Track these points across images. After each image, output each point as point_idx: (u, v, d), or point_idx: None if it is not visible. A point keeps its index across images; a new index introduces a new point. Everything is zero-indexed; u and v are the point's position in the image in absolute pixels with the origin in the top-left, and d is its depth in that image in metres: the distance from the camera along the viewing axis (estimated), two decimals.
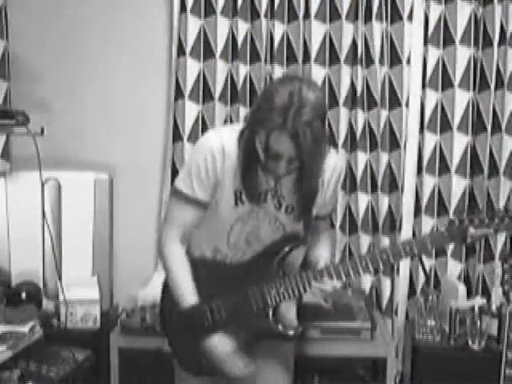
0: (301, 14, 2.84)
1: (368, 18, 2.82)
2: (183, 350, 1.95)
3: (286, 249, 1.85)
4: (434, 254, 2.95)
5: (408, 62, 2.86)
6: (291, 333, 1.87)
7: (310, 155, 1.63)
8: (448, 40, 2.84)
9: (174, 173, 2.89)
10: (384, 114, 2.86)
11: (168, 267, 1.87)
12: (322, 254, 1.98)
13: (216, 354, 1.83)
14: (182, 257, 1.87)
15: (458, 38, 2.82)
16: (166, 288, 1.96)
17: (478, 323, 2.58)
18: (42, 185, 2.59)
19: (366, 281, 2.95)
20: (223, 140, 1.77)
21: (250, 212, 1.82)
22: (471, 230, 1.71)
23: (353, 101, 2.89)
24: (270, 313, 1.84)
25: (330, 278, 1.79)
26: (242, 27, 2.86)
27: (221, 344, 1.82)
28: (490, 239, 2.86)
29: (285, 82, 1.66)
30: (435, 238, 1.76)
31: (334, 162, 1.88)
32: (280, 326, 1.86)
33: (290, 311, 1.93)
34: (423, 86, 2.91)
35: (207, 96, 2.93)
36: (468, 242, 1.73)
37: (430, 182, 2.92)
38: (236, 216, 1.82)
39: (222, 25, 2.87)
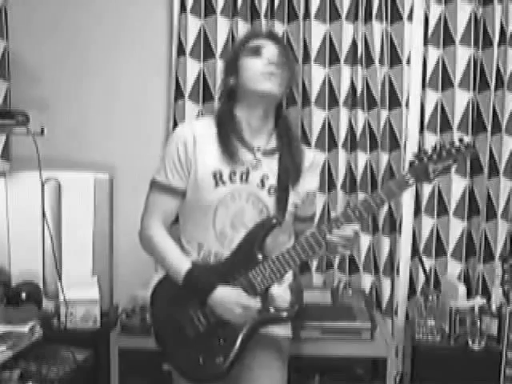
0: (301, 14, 2.84)
1: (368, 18, 2.82)
2: (182, 357, 1.92)
3: (262, 232, 1.85)
4: (433, 254, 2.96)
5: (408, 62, 2.86)
6: (284, 314, 1.87)
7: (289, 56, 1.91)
8: (448, 40, 2.84)
9: None
10: (384, 114, 2.86)
11: (153, 247, 1.91)
12: None
13: (223, 305, 1.81)
14: (165, 234, 1.91)
15: (458, 38, 2.82)
16: (154, 291, 1.98)
17: (478, 323, 2.58)
18: (42, 185, 2.59)
19: (366, 281, 2.95)
20: (193, 126, 1.90)
21: (232, 193, 1.85)
22: (432, 166, 1.75)
23: (353, 101, 2.89)
24: (259, 299, 1.83)
25: (347, 222, 1.78)
26: (242, 27, 2.86)
27: (225, 293, 1.82)
28: (489, 239, 2.86)
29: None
30: (399, 182, 1.80)
31: (312, 155, 2.01)
32: (272, 310, 1.85)
33: (283, 293, 1.93)
34: (423, 86, 2.91)
35: (207, 96, 2.93)
36: (431, 178, 1.76)
37: None
38: (218, 199, 1.84)
39: (222, 25, 2.87)
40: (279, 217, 1.87)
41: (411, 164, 1.78)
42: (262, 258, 1.84)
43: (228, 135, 1.87)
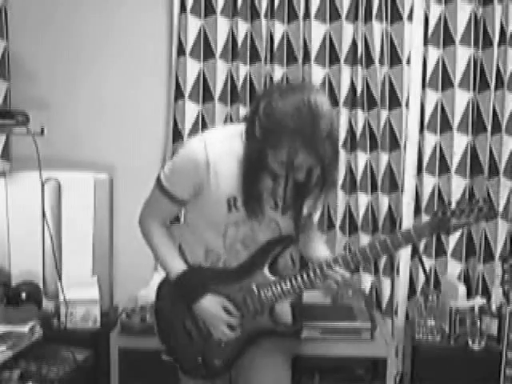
0: (301, 14, 2.84)
1: (368, 18, 2.82)
2: (181, 352, 1.95)
3: (277, 250, 1.85)
4: (433, 254, 2.95)
5: (408, 62, 2.86)
6: (291, 329, 1.89)
7: (330, 161, 1.64)
8: (448, 40, 2.84)
9: None
10: (384, 114, 2.86)
11: (151, 244, 1.92)
12: (322, 250, 1.97)
13: (208, 315, 1.83)
14: (162, 232, 1.91)
15: (458, 38, 2.82)
16: (161, 287, 1.99)
17: (478, 323, 2.58)
18: (42, 185, 2.60)
19: (366, 281, 2.95)
20: (208, 151, 1.73)
21: (244, 218, 1.80)
22: (453, 221, 1.76)
23: (353, 101, 2.89)
24: (267, 312, 1.84)
25: (342, 267, 1.79)
26: (242, 27, 2.86)
27: (212, 305, 1.83)
28: (489, 239, 2.86)
29: (289, 96, 1.60)
30: (419, 229, 1.79)
31: None
32: (282, 325, 1.86)
33: (284, 309, 1.93)
34: (423, 86, 2.91)
35: (207, 96, 2.93)
36: (451, 232, 1.79)
37: (429, 181, 2.92)
38: (229, 221, 1.82)
39: (222, 25, 2.87)
40: (295, 235, 1.86)
41: (434, 214, 1.78)
42: (276, 275, 1.84)
43: (259, 190, 1.76)
